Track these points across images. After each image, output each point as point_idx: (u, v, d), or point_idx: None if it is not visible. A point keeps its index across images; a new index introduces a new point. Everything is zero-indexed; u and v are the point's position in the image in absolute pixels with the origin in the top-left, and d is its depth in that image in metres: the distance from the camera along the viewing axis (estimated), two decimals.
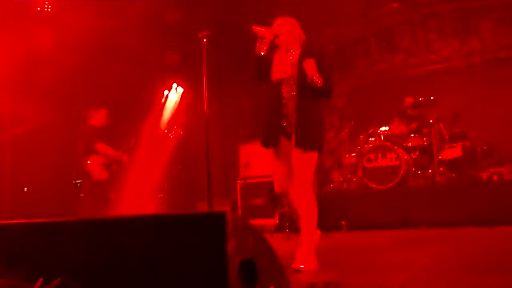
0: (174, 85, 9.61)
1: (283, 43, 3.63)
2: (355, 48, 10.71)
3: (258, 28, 3.52)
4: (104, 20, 6.80)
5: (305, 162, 3.48)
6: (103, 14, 6.77)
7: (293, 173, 3.53)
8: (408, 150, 7.16)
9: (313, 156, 3.51)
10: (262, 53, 3.56)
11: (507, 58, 9.03)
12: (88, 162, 6.16)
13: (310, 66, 3.37)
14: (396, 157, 6.79)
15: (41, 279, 1.74)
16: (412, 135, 7.31)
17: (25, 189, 8.41)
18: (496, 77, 9.06)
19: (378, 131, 7.46)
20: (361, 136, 7.62)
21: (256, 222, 6.30)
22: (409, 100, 8.02)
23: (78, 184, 8.63)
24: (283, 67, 3.59)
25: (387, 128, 7.41)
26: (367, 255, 4.11)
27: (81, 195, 6.46)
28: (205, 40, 3.65)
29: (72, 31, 6.66)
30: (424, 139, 7.28)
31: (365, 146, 7.37)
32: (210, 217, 1.77)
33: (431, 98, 7.43)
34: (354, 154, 7.72)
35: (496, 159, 7.77)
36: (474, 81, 9.17)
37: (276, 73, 3.60)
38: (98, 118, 6.31)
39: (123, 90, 8.23)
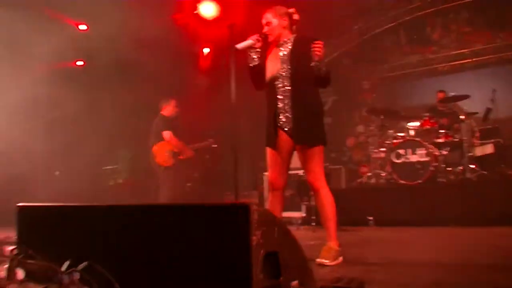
0: None
1: (274, 39, 3.57)
2: (385, 41, 10.55)
3: (242, 45, 3.44)
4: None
5: (309, 158, 3.45)
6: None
7: (305, 170, 3.52)
8: (439, 146, 7.02)
9: (318, 150, 3.47)
10: (256, 63, 3.49)
11: None
12: (155, 147, 6.56)
13: (319, 47, 3.26)
14: (426, 153, 6.66)
15: (67, 262, 1.78)
16: (443, 130, 7.15)
17: (57, 173, 8.60)
18: None
19: (408, 126, 7.33)
20: (391, 131, 7.50)
21: (283, 214, 6.27)
22: (440, 95, 7.86)
23: (108, 171, 8.80)
24: (276, 63, 3.53)
25: (417, 123, 7.28)
26: (394, 252, 4.06)
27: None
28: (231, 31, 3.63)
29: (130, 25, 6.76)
30: (455, 135, 7.12)
31: (394, 141, 7.26)
32: (235, 209, 1.78)
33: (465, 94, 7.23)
34: (383, 149, 7.61)
35: None
36: (507, 77, 8.94)
37: (270, 70, 3.54)
38: (168, 108, 6.70)
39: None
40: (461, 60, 9.74)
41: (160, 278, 1.81)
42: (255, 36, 3.48)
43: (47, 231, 2.11)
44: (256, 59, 3.49)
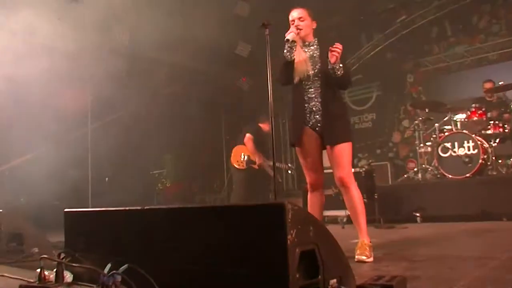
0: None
1: (303, 37, 3.58)
2: (429, 32, 10.29)
3: (290, 35, 3.45)
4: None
5: (339, 155, 3.47)
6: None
7: (333, 168, 3.54)
8: (488, 138, 6.80)
9: (347, 146, 3.49)
10: (292, 57, 3.50)
11: None
12: (235, 148, 7.03)
13: (338, 50, 3.29)
14: (474, 145, 6.47)
15: (109, 265, 1.85)
16: (492, 122, 6.91)
17: (107, 179, 8.88)
18: None
19: (455, 119, 7.13)
20: (437, 124, 7.32)
21: (328, 213, 6.24)
22: (487, 85, 7.60)
23: (156, 175, 9.02)
24: (305, 64, 3.53)
25: (464, 115, 7.07)
26: (441, 248, 3.98)
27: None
28: (267, 30, 3.64)
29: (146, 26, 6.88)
30: (505, 125, 6.87)
31: (441, 134, 7.08)
32: (270, 208, 1.80)
33: None
34: (430, 143, 7.44)
35: None
36: None
37: (299, 70, 3.54)
38: (266, 124, 6.95)
39: None
40: (511, 47, 9.36)
41: (198, 278, 1.86)
42: (295, 29, 3.50)
43: (91, 235, 2.21)
44: (294, 53, 3.50)
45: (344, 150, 3.48)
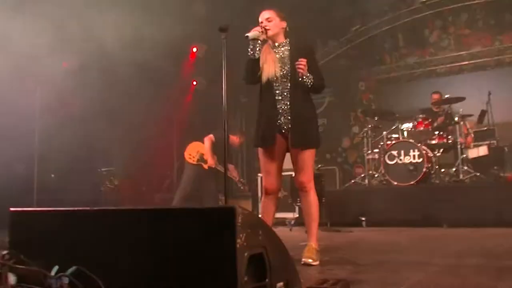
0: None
1: (272, 38, 3.59)
2: (383, 42, 10.60)
3: (251, 33, 3.45)
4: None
5: (305, 159, 3.49)
6: None
7: (296, 171, 3.55)
8: (432, 148, 7.07)
9: (311, 153, 3.52)
10: (256, 55, 3.49)
11: None
12: (191, 143, 7.03)
13: (302, 65, 3.35)
14: (419, 154, 6.71)
15: (56, 267, 1.81)
16: (437, 132, 7.20)
17: (52, 175, 8.61)
18: None
19: (402, 128, 7.38)
20: (385, 132, 7.55)
21: (276, 215, 6.31)
22: (435, 96, 7.91)
23: (104, 173, 8.82)
24: (274, 64, 3.53)
25: (410, 124, 7.33)
26: (384, 253, 4.10)
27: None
28: (224, 35, 3.64)
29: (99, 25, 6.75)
30: (449, 136, 7.17)
31: (388, 142, 7.31)
32: (220, 212, 1.82)
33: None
34: (377, 150, 7.66)
35: None
36: (504, 79, 9.00)
37: (268, 71, 3.53)
38: (234, 138, 7.03)
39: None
40: (459, 62, 9.79)
41: (147, 282, 1.85)
42: (259, 28, 3.50)
43: (38, 236, 2.14)
44: (258, 52, 3.49)
45: (311, 155, 3.51)
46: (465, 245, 4.50)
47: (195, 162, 6.88)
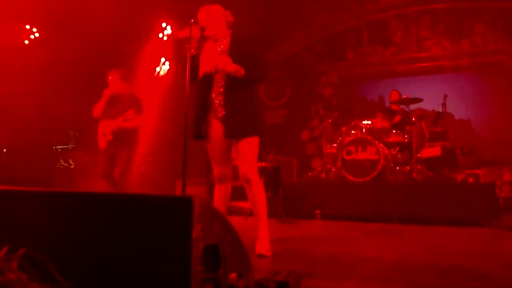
0: (163, 59, 9.57)
1: (211, 34, 3.62)
2: (347, 38, 10.72)
3: (182, 33, 3.51)
4: None
5: (242, 150, 3.50)
6: None
7: (238, 160, 3.57)
8: (388, 146, 7.23)
9: (252, 141, 3.51)
10: (193, 52, 3.55)
11: (494, 63, 9.15)
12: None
13: (225, 63, 3.39)
14: (375, 151, 6.85)
15: (6, 248, 1.75)
16: (394, 131, 7.37)
17: (4, 150, 8.35)
18: (482, 81, 9.20)
19: (361, 124, 7.51)
20: (344, 128, 7.67)
21: (232, 204, 6.33)
22: (394, 95, 8.08)
23: (59, 150, 8.59)
24: (211, 59, 3.56)
25: (369, 122, 7.46)
26: (337, 246, 4.19)
27: None
28: (192, 19, 3.60)
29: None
30: (405, 135, 7.35)
31: (346, 138, 7.42)
32: (177, 201, 1.80)
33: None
34: (335, 145, 7.78)
35: (475, 161, 7.92)
36: (461, 83, 9.29)
37: (205, 66, 3.57)
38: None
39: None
40: (419, 63, 10.02)
41: (98, 269, 1.82)
42: (194, 26, 3.53)
43: None
44: (194, 50, 3.56)
45: (248, 145, 3.49)
46: (414, 241, 4.65)
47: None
